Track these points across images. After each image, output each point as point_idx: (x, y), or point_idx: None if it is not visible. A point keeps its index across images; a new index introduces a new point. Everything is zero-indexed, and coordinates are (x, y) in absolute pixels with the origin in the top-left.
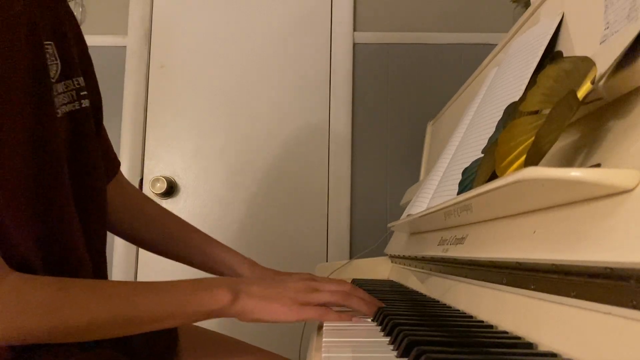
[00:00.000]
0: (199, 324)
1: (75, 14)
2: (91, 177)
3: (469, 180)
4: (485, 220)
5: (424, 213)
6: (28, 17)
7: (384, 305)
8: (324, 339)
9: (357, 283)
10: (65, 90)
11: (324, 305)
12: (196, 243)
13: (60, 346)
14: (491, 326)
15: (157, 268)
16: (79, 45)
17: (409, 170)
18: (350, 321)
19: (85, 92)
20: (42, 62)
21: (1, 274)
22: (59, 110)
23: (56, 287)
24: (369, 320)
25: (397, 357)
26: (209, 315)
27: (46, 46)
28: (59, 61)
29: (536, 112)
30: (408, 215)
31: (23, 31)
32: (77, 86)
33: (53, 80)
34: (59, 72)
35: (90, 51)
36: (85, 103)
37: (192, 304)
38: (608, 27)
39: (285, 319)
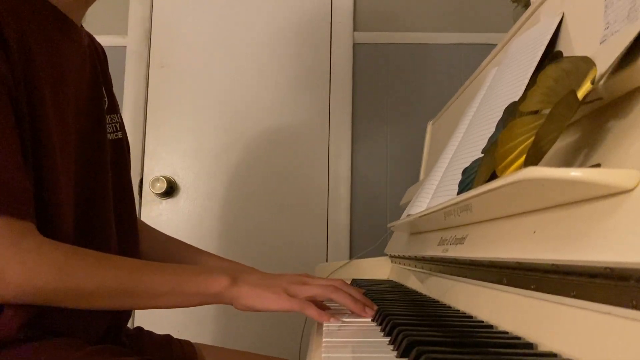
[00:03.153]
0: (215, 341)
1: None
2: (128, 198)
3: (469, 180)
4: (485, 220)
5: (424, 213)
6: (90, 55)
7: (375, 307)
8: (323, 339)
9: (357, 283)
10: (110, 122)
11: (313, 298)
12: (189, 254)
13: (71, 338)
14: (491, 326)
15: None
16: (111, 91)
17: (409, 170)
18: (328, 321)
19: (120, 127)
20: (99, 94)
21: (26, 232)
22: (108, 135)
23: (71, 251)
24: (364, 320)
25: (397, 357)
26: (206, 298)
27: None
28: (107, 98)
29: (536, 112)
30: (408, 215)
31: (88, 66)
32: (117, 121)
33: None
34: (106, 106)
35: None
36: (121, 135)
37: (191, 285)
38: (608, 27)
39: (274, 307)
